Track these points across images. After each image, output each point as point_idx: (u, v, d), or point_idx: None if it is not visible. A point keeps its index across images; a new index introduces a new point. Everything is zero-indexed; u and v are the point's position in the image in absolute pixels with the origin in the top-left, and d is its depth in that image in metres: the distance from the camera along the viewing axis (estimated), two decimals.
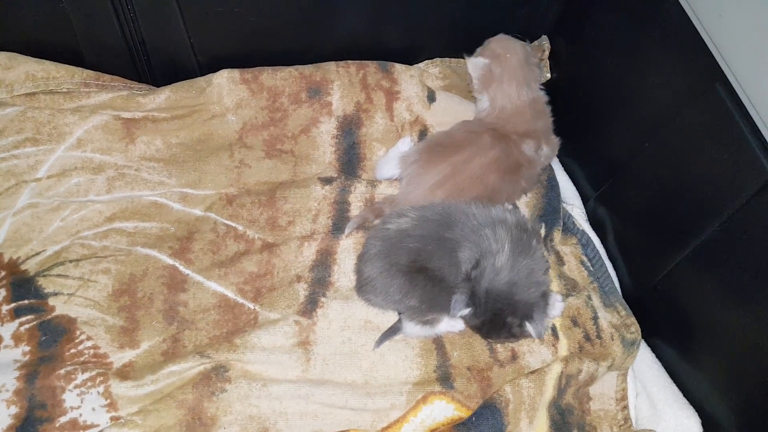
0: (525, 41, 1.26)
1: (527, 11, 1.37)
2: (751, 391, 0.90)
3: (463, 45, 1.41)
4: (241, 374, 1.03)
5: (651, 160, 1.09)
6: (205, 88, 1.30)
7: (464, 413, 0.99)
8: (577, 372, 0.99)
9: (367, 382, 1.05)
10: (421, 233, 1.04)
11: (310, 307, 1.11)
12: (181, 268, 1.17)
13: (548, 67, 1.40)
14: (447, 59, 1.44)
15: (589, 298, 1.10)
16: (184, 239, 1.20)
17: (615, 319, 1.07)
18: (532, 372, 1.00)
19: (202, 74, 1.32)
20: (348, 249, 1.19)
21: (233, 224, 1.23)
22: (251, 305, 1.14)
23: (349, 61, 1.35)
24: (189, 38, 1.29)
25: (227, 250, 1.20)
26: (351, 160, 1.32)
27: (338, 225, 1.22)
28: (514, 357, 1.06)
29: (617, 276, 1.18)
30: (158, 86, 1.34)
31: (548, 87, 1.40)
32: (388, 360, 1.06)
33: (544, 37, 1.41)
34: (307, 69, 1.33)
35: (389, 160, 1.23)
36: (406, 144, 1.24)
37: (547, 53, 1.40)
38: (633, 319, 1.07)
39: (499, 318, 0.96)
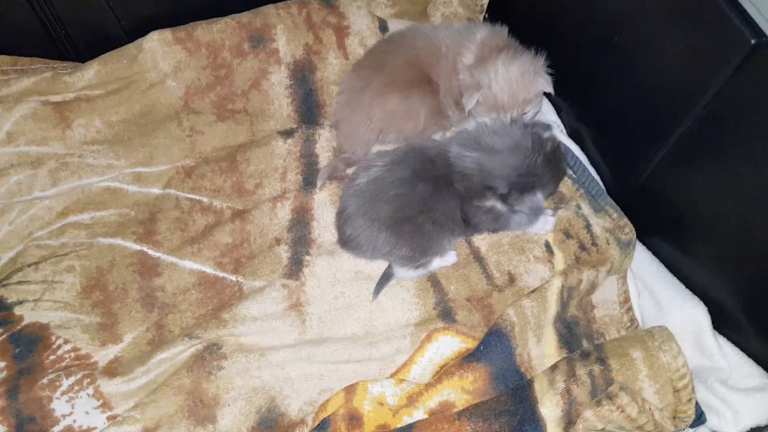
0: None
1: None
2: (754, 270, 0.89)
3: None
4: (236, 348, 0.98)
5: (621, 55, 1.04)
6: (137, 56, 1.19)
7: (471, 344, 0.96)
8: (578, 282, 0.97)
9: (367, 332, 1.01)
10: (399, 176, 0.98)
11: (295, 268, 1.06)
12: (150, 251, 1.10)
13: None
14: None
15: (579, 207, 1.06)
16: (147, 222, 1.12)
17: (608, 223, 1.05)
18: (533, 291, 0.97)
19: (130, 41, 1.20)
20: (324, 202, 1.12)
21: (197, 197, 1.15)
22: (233, 277, 1.08)
23: (289, 1, 1.24)
24: (107, 1, 1.17)
25: (196, 225, 1.13)
26: (310, 108, 1.24)
27: (309, 179, 1.15)
28: (512, 280, 1.03)
29: (602, 182, 1.15)
30: (84, 62, 1.21)
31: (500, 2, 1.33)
32: (385, 306, 1.02)
33: None
34: (245, 16, 1.22)
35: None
36: None
37: None
38: (626, 220, 1.04)
39: None
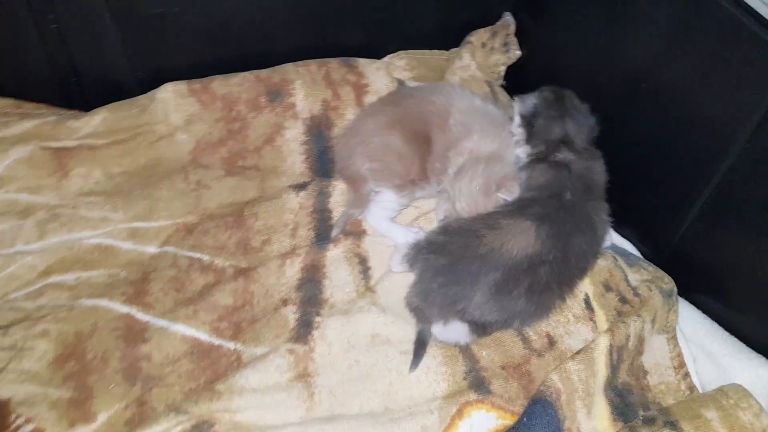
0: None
1: None
2: None
3: (426, 36, 1.33)
4: (231, 427, 0.82)
5: (648, 103, 0.99)
6: (148, 106, 1.13)
7: (509, 419, 0.80)
8: (626, 339, 0.83)
9: (387, 407, 0.85)
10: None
11: (303, 331, 0.92)
12: (139, 315, 0.96)
13: (516, 45, 1.32)
14: (412, 51, 1.33)
15: (615, 259, 0.96)
16: (138, 282, 1.00)
17: (645, 275, 0.93)
18: (578, 353, 0.83)
19: (144, 93, 1.16)
20: (338, 259, 1.01)
21: (197, 255, 1.04)
22: (231, 344, 0.94)
23: (309, 60, 1.22)
24: (125, 51, 1.13)
25: (193, 285, 1.00)
26: (324, 166, 1.16)
27: (322, 235, 1.05)
28: (552, 343, 0.89)
29: (633, 247, 1.06)
30: None
31: (519, 64, 1.32)
32: (407, 377, 0.87)
33: (507, 13, 1.33)
34: (264, 72, 1.18)
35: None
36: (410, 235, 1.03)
37: (513, 28, 1.32)
38: (663, 273, 0.93)
39: None
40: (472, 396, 0.83)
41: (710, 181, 0.88)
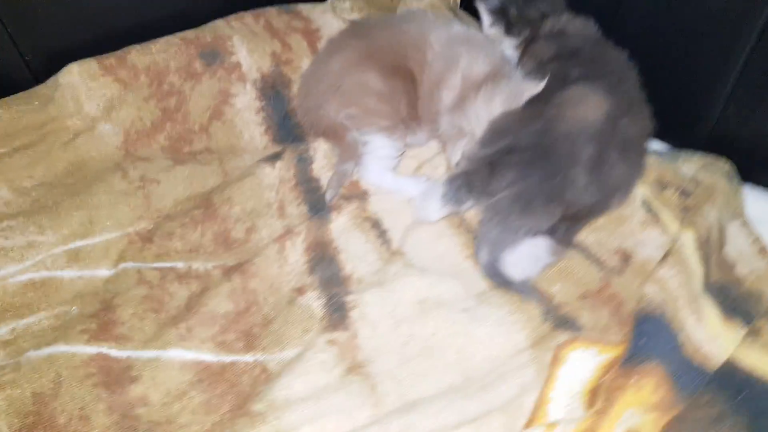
0: None
1: None
2: None
3: None
4: None
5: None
6: (53, 96, 0.88)
7: (612, 351, 0.69)
8: (707, 232, 0.76)
9: (467, 377, 0.70)
10: None
11: (337, 316, 0.75)
12: (114, 352, 0.73)
13: None
14: None
15: (659, 155, 0.88)
16: (99, 313, 0.77)
17: (698, 163, 0.87)
18: (666, 257, 0.74)
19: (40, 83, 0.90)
20: (346, 229, 0.85)
21: (167, 264, 0.82)
22: (248, 357, 0.74)
23: (240, 12, 1.02)
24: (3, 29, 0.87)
25: (175, 300, 0.79)
26: (290, 133, 0.98)
27: (317, 206, 0.88)
28: (626, 258, 0.79)
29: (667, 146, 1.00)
30: None
31: None
32: (477, 335, 0.73)
33: None
34: (190, 33, 0.96)
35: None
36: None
37: None
38: (714, 156, 0.88)
39: None
40: (562, 337, 0.71)
41: (736, 59, 0.84)
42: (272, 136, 0.98)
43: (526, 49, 0.91)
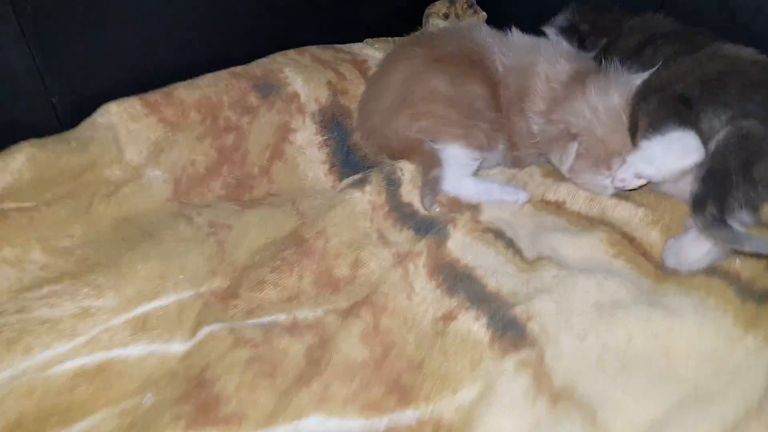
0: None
1: None
2: None
3: (387, 25, 1.13)
4: None
5: None
6: (92, 137, 0.71)
7: None
8: None
9: (695, 385, 0.56)
10: None
11: (512, 334, 0.59)
12: None
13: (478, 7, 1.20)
14: (383, 38, 1.10)
15: None
16: (193, 392, 0.57)
17: None
18: None
19: (65, 128, 0.73)
20: (467, 244, 0.72)
21: (265, 320, 0.64)
22: (408, 413, 0.56)
23: (284, 51, 0.91)
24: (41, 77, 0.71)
25: (290, 359, 0.61)
26: (357, 168, 0.86)
27: (421, 227, 0.74)
28: None
29: None
30: None
31: None
32: (681, 331, 0.59)
33: None
34: (237, 69, 0.85)
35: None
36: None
37: None
38: None
39: None
40: None
41: None
42: (337, 174, 0.86)
43: (606, 51, 0.87)
